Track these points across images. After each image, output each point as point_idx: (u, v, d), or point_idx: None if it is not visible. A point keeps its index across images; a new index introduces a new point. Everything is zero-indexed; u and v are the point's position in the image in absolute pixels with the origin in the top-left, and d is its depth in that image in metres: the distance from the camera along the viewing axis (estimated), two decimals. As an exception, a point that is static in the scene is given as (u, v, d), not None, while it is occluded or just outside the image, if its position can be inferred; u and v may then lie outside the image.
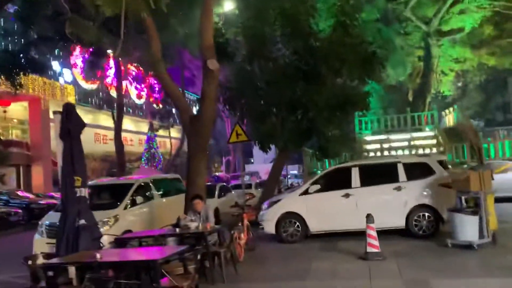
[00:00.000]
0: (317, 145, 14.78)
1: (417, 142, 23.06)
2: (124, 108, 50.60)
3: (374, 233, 7.76)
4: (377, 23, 24.80)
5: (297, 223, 10.15)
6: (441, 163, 9.98)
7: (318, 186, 10.22)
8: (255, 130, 14.56)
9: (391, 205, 9.74)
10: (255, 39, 13.74)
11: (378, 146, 23.18)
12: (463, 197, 8.59)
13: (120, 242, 6.84)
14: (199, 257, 5.36)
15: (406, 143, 22.78)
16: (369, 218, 7.84)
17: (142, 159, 43.58)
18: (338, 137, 14.64)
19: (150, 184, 11.14)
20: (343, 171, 10.39)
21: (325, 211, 10.06)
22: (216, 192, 16.50)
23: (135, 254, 5.10)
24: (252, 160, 60.81)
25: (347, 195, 9.92)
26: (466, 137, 8.06)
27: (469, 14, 23.56)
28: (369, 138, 24.55)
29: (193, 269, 5.47)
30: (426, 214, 9.61)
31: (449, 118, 27.82)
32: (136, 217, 10.14)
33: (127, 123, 51.00)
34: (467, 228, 8.15)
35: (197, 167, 8.80)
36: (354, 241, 9.14)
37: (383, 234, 9.32)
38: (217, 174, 57.12)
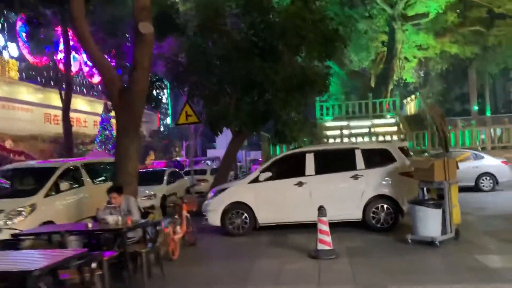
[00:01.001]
0: (274, 129, 13.76)
1: (378, 129, 22.55)
2: (78, 88, 48.23)
3: (326, 228, 6.79)
4: (341, 5, 23.93)
5: (245, 214, 9.10)
6: (402, 150, 9.14)
7: (269, 174, 9.17)
8: (207, 110, 13.35)
9: (347, 195, 8.85)
10: (207, 10, 12.44)
11: (338, 132, 22.49)
12: (425, 188, 7.78)
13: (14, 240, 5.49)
14: (94, 264, 4.15)
15: (367, 130, 22.20)
16: (321, 210, 6.86)
17: (95, 142, 41.39)
18: (296, 121, 13.66)
19: (80, 169, 9.76)
20: (296, 157, 9.38)
21: (276, 201, 9.05)
22: (165, 178, 15.22)
23: (7, 262, 3.85)
24: (214, 145, 59.47)
25: (300, 184, 8.94)
26: (434, 121, 7.17)
27: (434, -1, 23.02)
28: (329, 124, 23.83)
29: (95, 278, 4.28)
30: (385, 205, 8.78)
31: (411, 106, 27.53)
32: (60, 206, 8.79)
33: (81, 103, 48.34)
34: (429, 222, 7.33)
35: (127, 148, 7.50)
36: (306, 235, 8.19)
37: (338, 226, 8.47)
38: (178, 159, 55.51)
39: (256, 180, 9.19)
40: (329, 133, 22.99)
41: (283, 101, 12.07)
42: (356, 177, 8.88)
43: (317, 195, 8.82)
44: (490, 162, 16.20)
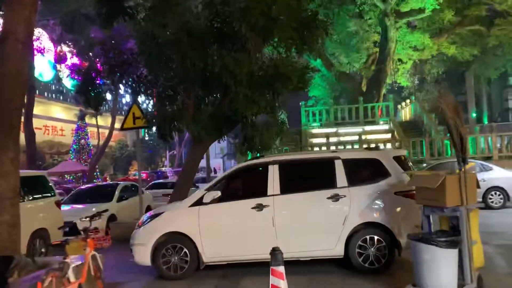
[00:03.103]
0: (242, 134, 11.33)
1: (370, 137, 20.25)
2: (53, 94, 45.61)
3: (282, 285, 4.34)
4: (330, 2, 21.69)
5: (185, 250, 6.63)
6: (398, 160, 6.73)
7: (217, 193, 6.70)
8: (159, 111, 10.95)
9: (324, 222, 6.43)
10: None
11: (326, 140, 20.17)
12: (432, 216, 5.40)
13: None
14: None
15: (357, 137, 19.89)
16: (275, 255, 4.39)
17: (71, 151, 38.72)
18: (269, 125, 11.24)
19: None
20: (255, 170, 6.94)
21: (226, 231, 6.60)
22: (116, 194, 12.73)
23: None
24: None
25: (260, 207, 6.50)
26: (445, 116, 4.76)
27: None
28: (316, 130, 21.49)
29: None
30: (376, 237, 6.36)
31: (406, 111, 25.32)
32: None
33: (58, 111, 45.79)
34: (441, 268, 4.92)
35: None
36: (267, 278, 5.74)
37: (314, 264, 6.08)
38: (163, 169, 52.88)
39: (200, 202, 6.72)
40: (315, 141, 20.65)
41: (248, 99, 9.65)
42: (336, 197, 6.46)
43: (282, 222, 6.42)
44: (500, 175, 13.87)
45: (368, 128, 21.33)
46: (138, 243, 6.75)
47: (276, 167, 6.71)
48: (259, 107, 9.97)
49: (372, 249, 6.34)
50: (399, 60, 25.86)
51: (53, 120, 44.01)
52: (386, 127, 21.41)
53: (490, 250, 7.39)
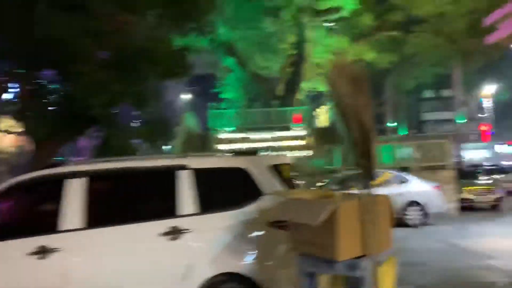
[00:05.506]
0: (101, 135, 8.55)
1: (283, 143, 18.25)
2: None
3: None
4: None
5: None
6: (279, 171, 4.33)
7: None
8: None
9: (153, 276, 3.85)
10: None
11: (236, 146, 17.84)
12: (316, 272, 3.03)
13: None
14: None
15: (271, 144, 17.82)
16: None
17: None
18: (147, 121, 8.59)
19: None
20: (41, 188, 4.18)
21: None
22: None
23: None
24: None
25: (43, 252, 3.76)
26: (353, 117, 2.34)
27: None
28: (224, 135, 19.08)
29: None
30: (237, 298, 3.90)
31: (323, 117, 23.85)
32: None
33: None
34: None
35: None
36: None
37: None
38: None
39: None
40: (223, 147, 18.20)
41: (95, 82, 6.90)
42: (175, 233, 3.91)
43: (82, 279, 3.75)
44: (417, 188, 12.29)
45: (282, 134, 19.35)
46: None
47: (77, 182, 4.00)
48: (112, 96, 7.23)
49: (233, 318, 3.87)
50: (317, 65, 24.37)
51: None
52: (301, 133, 19.56)
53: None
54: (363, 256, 2.86)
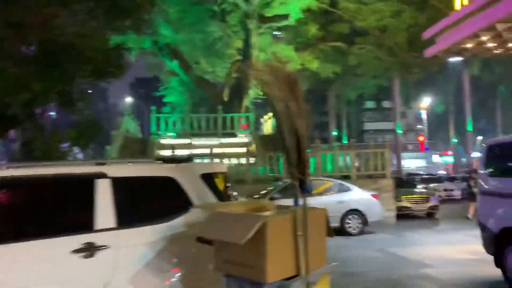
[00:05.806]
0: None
1: (227, 150, 17.87)
2: None
3: None
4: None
5: None
6: (210, 179, 3.98)
7: None
8: None
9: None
10: None
11: (177, 152, 17.20)
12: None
13: None
14: None
15: (215, 150, 17.36)
16: None
17: None
18: (78, 122, 7.91)
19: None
20: None
21: None
22: None
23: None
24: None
25: None
26: (286, 123, 2.05)
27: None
28: (166, 141, 18.44)
29: None
30: (159, 323, 3.49)
31: (268, 125, 23.79)
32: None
33: None
34: None
35: None
36: None
37: None
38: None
39: None
40: (165, 153, 17.53)
41: (14, 79, 6.22)
42: (90, 250, 3.44)
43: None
44: (357, 196, 12.42)
45: (226, 140, 19.02)
46: None
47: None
48: (33, 94, 6.56)
49: None
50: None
51: None
52: (245, 140, 19.33)
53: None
54: (296, 276, 2.59)
